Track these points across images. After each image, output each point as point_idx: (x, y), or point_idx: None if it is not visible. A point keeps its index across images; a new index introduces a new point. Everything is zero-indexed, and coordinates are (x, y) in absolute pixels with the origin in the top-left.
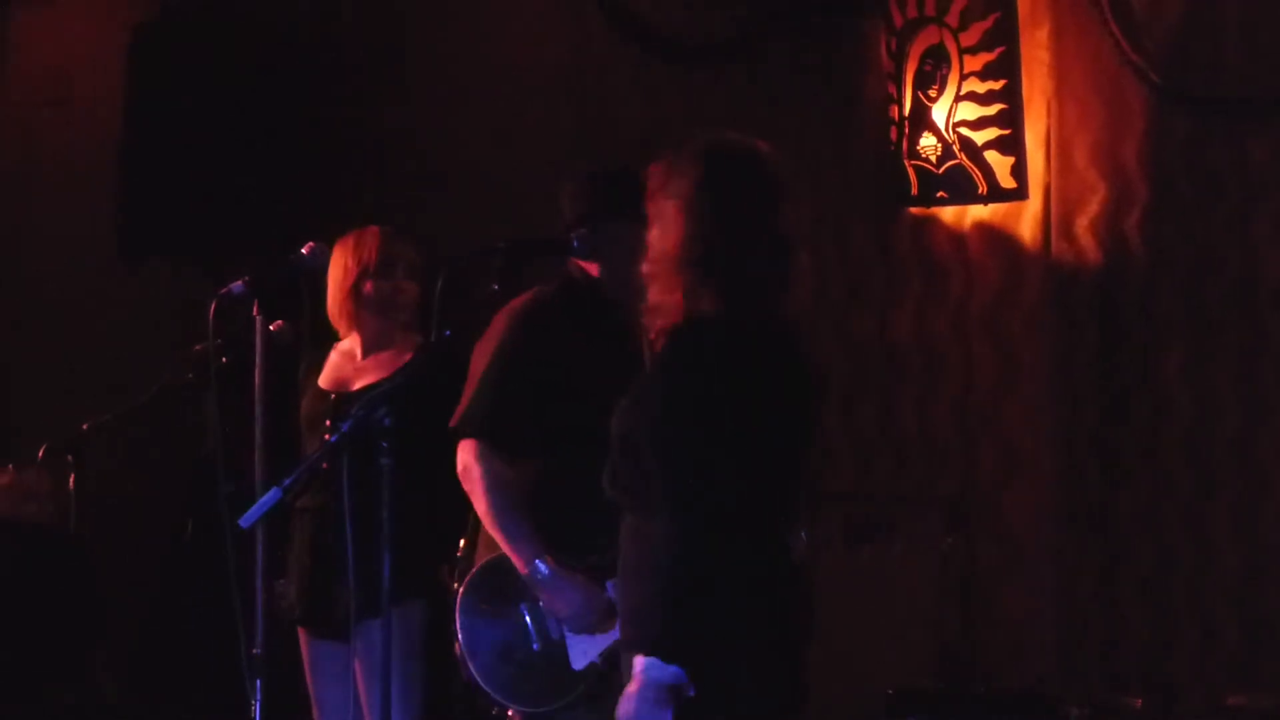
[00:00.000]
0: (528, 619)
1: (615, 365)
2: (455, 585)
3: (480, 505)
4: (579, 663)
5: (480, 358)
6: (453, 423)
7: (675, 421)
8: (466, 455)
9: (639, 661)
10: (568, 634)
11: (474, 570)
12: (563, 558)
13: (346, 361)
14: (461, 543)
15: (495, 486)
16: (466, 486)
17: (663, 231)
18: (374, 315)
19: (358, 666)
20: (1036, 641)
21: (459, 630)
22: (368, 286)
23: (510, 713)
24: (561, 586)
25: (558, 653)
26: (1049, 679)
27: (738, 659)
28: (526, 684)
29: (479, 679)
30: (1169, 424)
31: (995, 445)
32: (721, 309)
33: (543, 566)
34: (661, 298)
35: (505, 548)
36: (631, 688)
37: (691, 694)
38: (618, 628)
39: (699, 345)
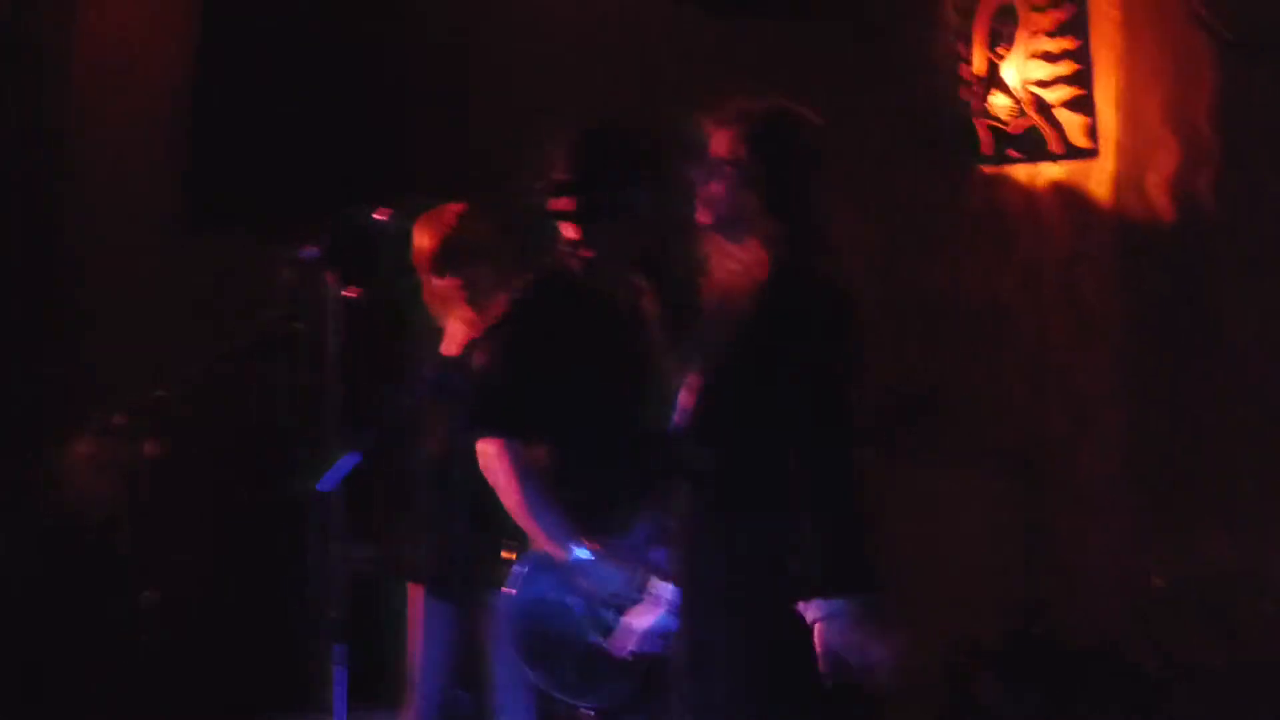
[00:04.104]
0: (581, 612)
1: (614, 345)
2: (504, 590)
3: (510, 499)
4: None
5: (482, 355)
6: (465, 424)
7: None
8: (488, 450)
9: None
10: (622, 620)
11: (518, 571)
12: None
13: (459, 327)
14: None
15: (524, 477)
16: (492, 481)
17: (728, 192)
18: (447, 300)
19: (480, 632)
20: (1108, 596)
21: (511, 638)
22: (432, 279)
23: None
24: (604, 564)
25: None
26: (1121, 633)
27: None
28: (591, 679)
29: (542, 684)
30: (1242, 382)
31: (1066, 402)
32: (802, 263)
33: (581, 550)
34: (736, 254)
35: (540, 539)
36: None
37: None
38: (666, 607)
39: (814, 296)
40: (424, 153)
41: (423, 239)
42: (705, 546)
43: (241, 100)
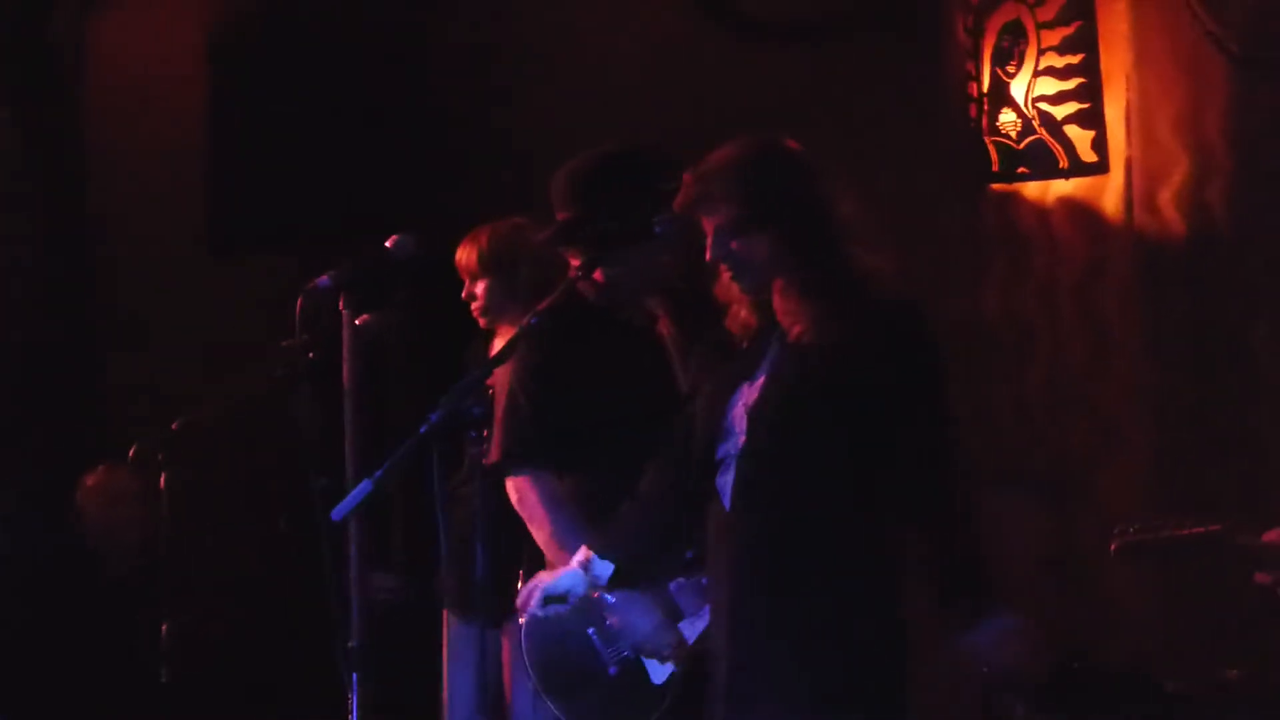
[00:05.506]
0: (597, 642)
1: (636, 370)
2: (519, 620)
3: (542, 533)
4: (659, 676)
5: (503, 389)
6: (490, 459)
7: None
8: (519, 484)
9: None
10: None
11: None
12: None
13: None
14: (520, 575)
15: (555, 508)
16: (524, 515)
17: (739, 262)
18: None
19: (506, 658)
20: (1134, 619)
21: (529, 667)
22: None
23: None
24: (633, 608)
25: (635, 670)
26: (1149, 657)
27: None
28: (610, 711)
29: (562, 714)
30: (1264, 395)
31: (1088, 422)
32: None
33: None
34: (778, 304)
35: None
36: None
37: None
38: (688, 631)
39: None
40: (452, 178)
41: (458, 251)
42: (751, 621)
43: (259, 129)
